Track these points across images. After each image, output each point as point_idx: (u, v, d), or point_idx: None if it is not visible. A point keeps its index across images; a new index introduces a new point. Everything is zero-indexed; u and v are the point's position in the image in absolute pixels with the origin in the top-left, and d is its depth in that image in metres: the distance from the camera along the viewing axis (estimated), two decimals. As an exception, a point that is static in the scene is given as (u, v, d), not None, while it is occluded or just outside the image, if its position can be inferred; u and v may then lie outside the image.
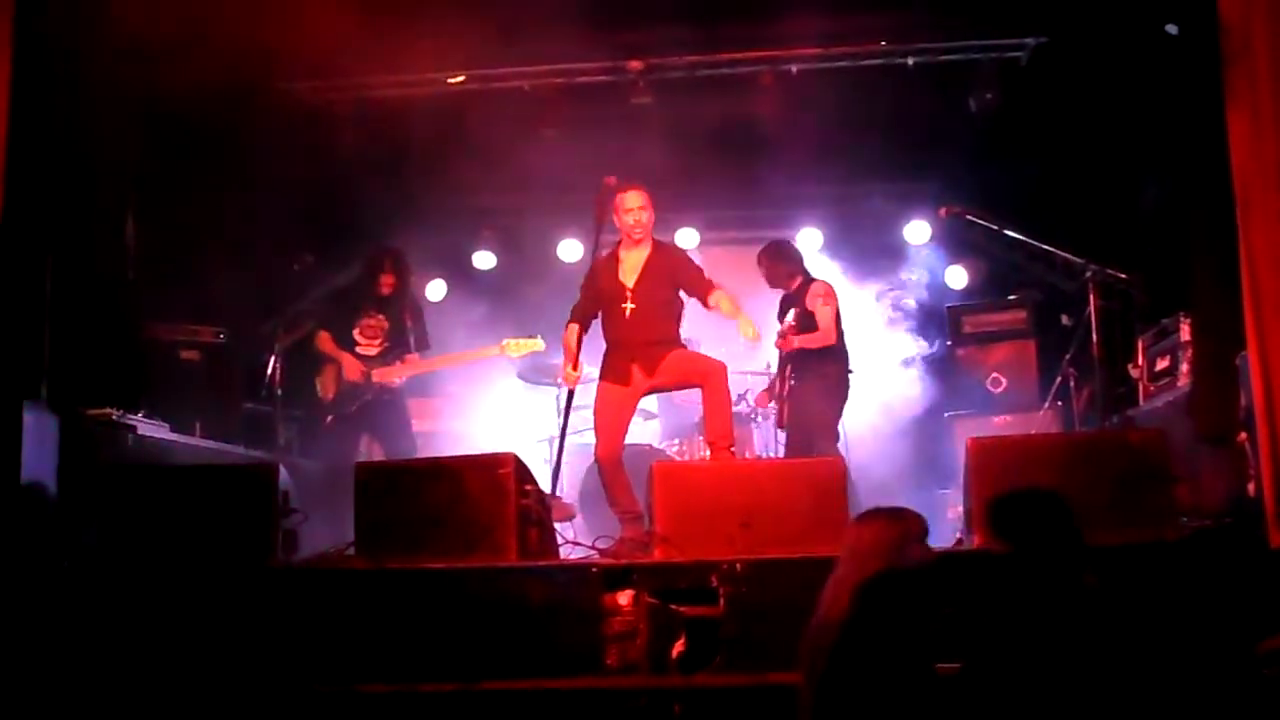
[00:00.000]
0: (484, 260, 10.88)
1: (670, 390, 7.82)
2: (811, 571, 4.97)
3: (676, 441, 9.10)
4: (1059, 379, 8.69)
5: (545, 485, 6.66)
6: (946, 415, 9.38)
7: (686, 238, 10.34)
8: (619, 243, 7.20)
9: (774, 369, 8.55)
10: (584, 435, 8.44)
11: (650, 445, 8.91)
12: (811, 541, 5.35)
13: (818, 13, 8.15)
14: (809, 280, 8.22)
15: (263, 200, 8.09)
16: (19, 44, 6.07)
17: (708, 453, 7.14)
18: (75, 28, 6.43)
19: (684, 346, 7.15)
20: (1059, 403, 8.75)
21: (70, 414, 6.32)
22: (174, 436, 7.30)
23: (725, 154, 9.24)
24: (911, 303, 9.89)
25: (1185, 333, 7.16)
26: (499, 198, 10.63)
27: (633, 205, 7.01)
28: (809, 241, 10.36)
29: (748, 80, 9.15)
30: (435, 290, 10.63)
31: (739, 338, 6.98)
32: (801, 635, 3.66)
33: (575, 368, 7.07)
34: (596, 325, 7.23)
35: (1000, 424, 8.95)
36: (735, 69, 9.16)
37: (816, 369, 7.89)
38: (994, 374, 9.44)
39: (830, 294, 8.07)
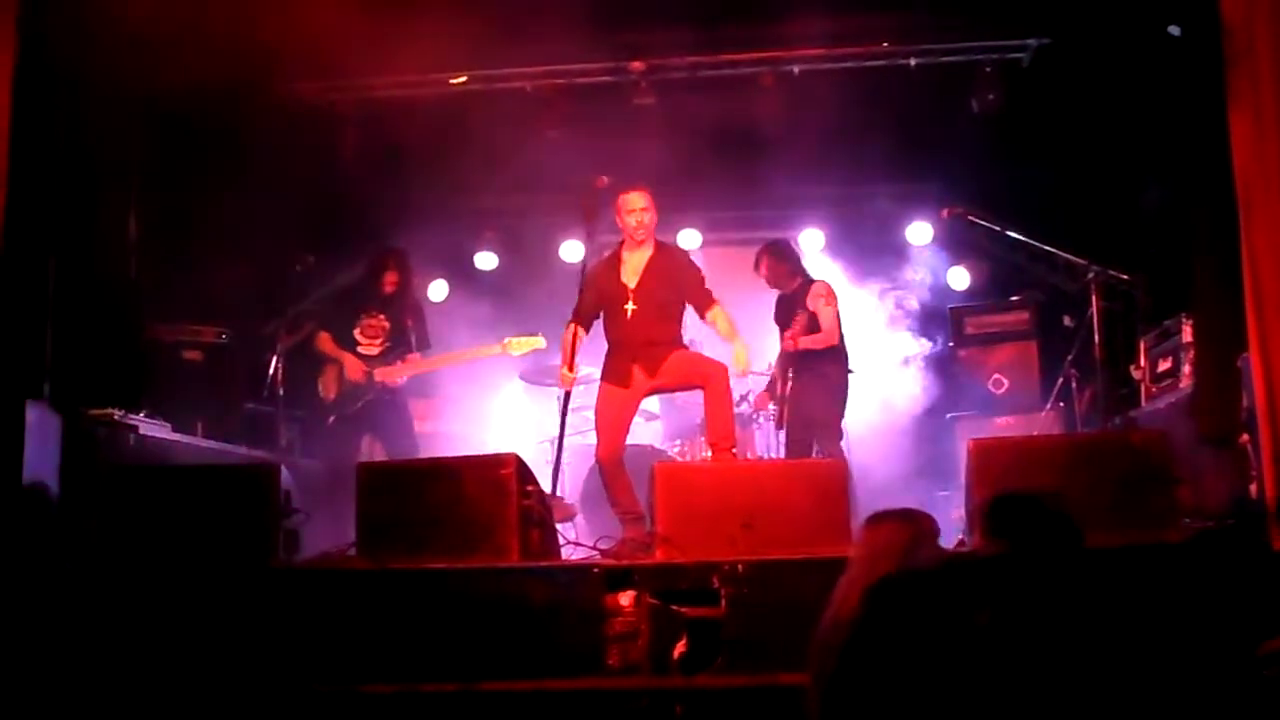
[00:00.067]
0: (486, 261, 10.88)
1: (671, 391, 7.82)
2: (813, 572, 4.99)
3: (678, 442, 9.10)
4: (1061, 380, 8.69)
5: (546, 486, 6.66)
6: (948, 416, 9.38)
7: (688, 238, 10.34)
8: (621, 243, 7.19)
9: (772, 370, 8.54)
10: (586, 436, 8.44)
11: (652, 446, 8.91)
12: (813, 542, 5.35)
13: (820, 14, 8.15)
14: (809, 280, 8.22)
15: (264, 200, 8.08)
16: (22, 44, 6.07)
17: (709, 454, 7.14)
18: (78, 28, 6.43)
19: (685, 348, 7.15)
20: (1061, 404, 8.75)
21: (72, 414, 6.33)
22: (176, 436, 7.31)
23: (727, 155, 9.24)
24: (914, 303, 9.88)
25: (1187, 334, 7.16)
26: (501, 198, 10.63)
27: (635, 206, 7.01)
28: (811, 242, 10.36)
29: (749, 81, 9.15)
30: (437, 290, 10.62)
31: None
32: (811, 636, 3.65)
33: (571, 369, 7.08)
34: (598, 327, 7.23)
35: (1002, 425, 8.95)
36: (737, 70, 9.17)
37: (818, 369, 7.89)
38: (996, 375, 9.44)
39: (831, 294, 8.08)
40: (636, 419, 7.43)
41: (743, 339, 7.08)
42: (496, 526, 5.52)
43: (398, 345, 8.16)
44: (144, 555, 5.62)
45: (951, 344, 9.74)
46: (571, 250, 10.53)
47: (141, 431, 6.90)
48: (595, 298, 7.15)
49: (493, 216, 10.92)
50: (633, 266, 7.06)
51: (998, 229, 9.15)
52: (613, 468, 6.88)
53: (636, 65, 9.05)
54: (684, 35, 8.81)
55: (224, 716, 5.09)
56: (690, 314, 7.22)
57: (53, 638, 5.24)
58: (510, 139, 9.04)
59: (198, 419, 7.97)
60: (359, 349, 8.10)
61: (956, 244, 10.32)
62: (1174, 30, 7.05)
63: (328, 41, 7.24)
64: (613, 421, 6.98)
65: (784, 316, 8.20)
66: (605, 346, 7.17)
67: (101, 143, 7.07)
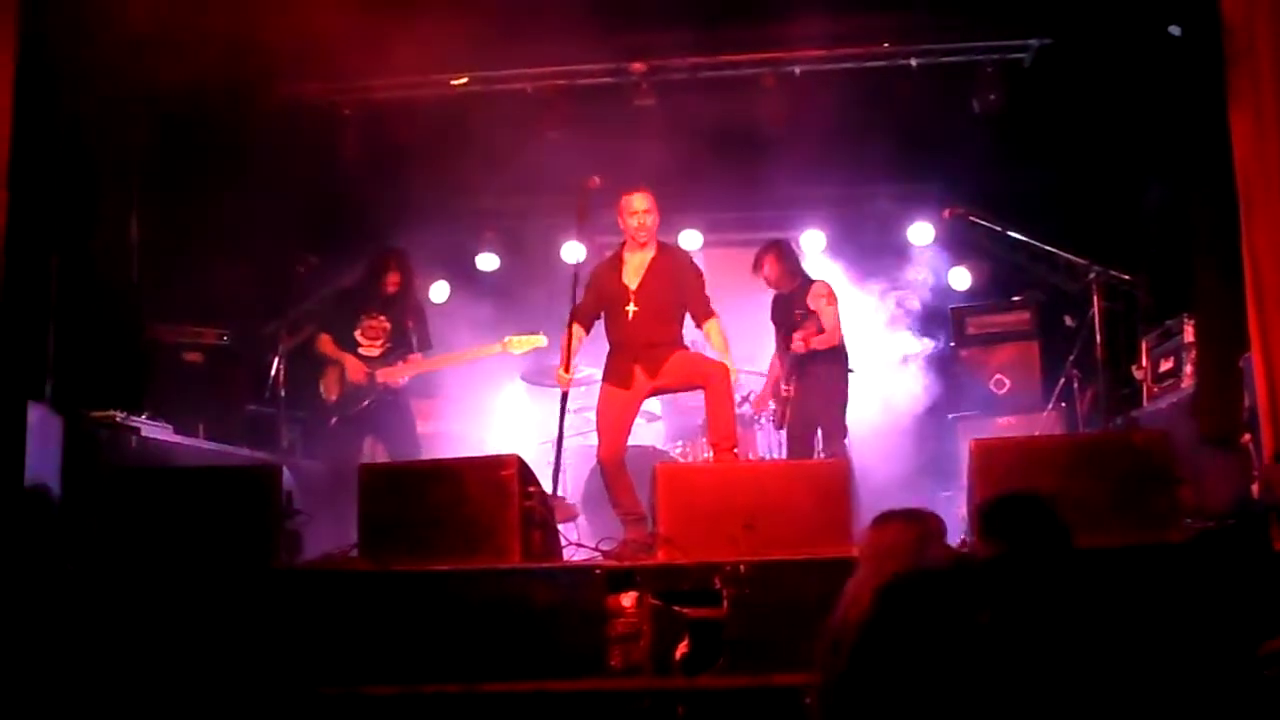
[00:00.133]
0: (487, 262, 10.88)
1: (673, 392, 7.82)
2: (815, 573, 5.00)
3: (680, 443, 9.09)
4: (1062, 380, 8.68)
5: (547, 487, 6.67)
6: (950, 416, 9.38)
7: (689, 239, 10.33)
8: (623, 244, 7.19)
9: (771, 370, 8.53)
10: (588, 437, 8.44)
11: (654, 447, 8.91)
12: (815, 543, 5.35)
13: (820, 14, 8.15)
14: (808, 280, 8.21)
15: (266, 201, 8.08)
16: (22, 44, 6.08)
17: (711, 454, 7.14)
18: (78, 29, 6.44)
19: (686, 348, 7.14)
20: (1063, 404, 8.74)
21: (74, 415, 6.33)
22: (177, 438, 7.32)
23: (728, 155, 9.24)
24: (915, 303, 9.88)
25: (1189, 334, 7.16)
26: (502, 199, 10.62)
27: (638, 208, 7.00)
28: (812, 243, 10.35)
29: (750, 82, 9.15)
30: (439, 292, 10.62)
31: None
32: (815, 636, 3.65)
33: (568, 369, 7.07)
34: (599, 328, 7.23)
35: (1004, 425, 8.94)
36: (738, 70, 9.16)
37: (820, 370, 7.88)
38: (997, 375, 9.43)
39: (832, 294, 8.09)
40: (638, 420, 7.42)
41: (731, 358, 7.07)
42: (498, 528, 5.52)
43: (399, 346, 8.15)
44: (145, 557, 5.62)
45: (953, 344, 9.74)
46: (573, 251, 10.52)
47: (143, 433, 6.90)
48: (596, 299, 7.15)
49: (494, 217, 10.92)
50: (634, 268, 7.05)
51: (999, 229, 9.15)
52: (614, 469, 6.88)
53: (637, 66, 9.05)
54: (685, 36, 8.81)
55: (226, 718, 5.09)
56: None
57: (54, 639, 5.25)
58: (511, 140, 9.04)
59: (199, 420, 7.98)
60: (360, 350, 8.10)
61: (958, 244, 10.31)
62: (1174, 30, 7.06)
63: (329, 42, 7.25)
64: (614, 422, 6.98)
65: (783, 316, 8.18)
66: (606, 348, 7.17)
67: (103, 144, 7.08)
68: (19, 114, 6.04)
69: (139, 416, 6.98)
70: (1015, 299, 9.73)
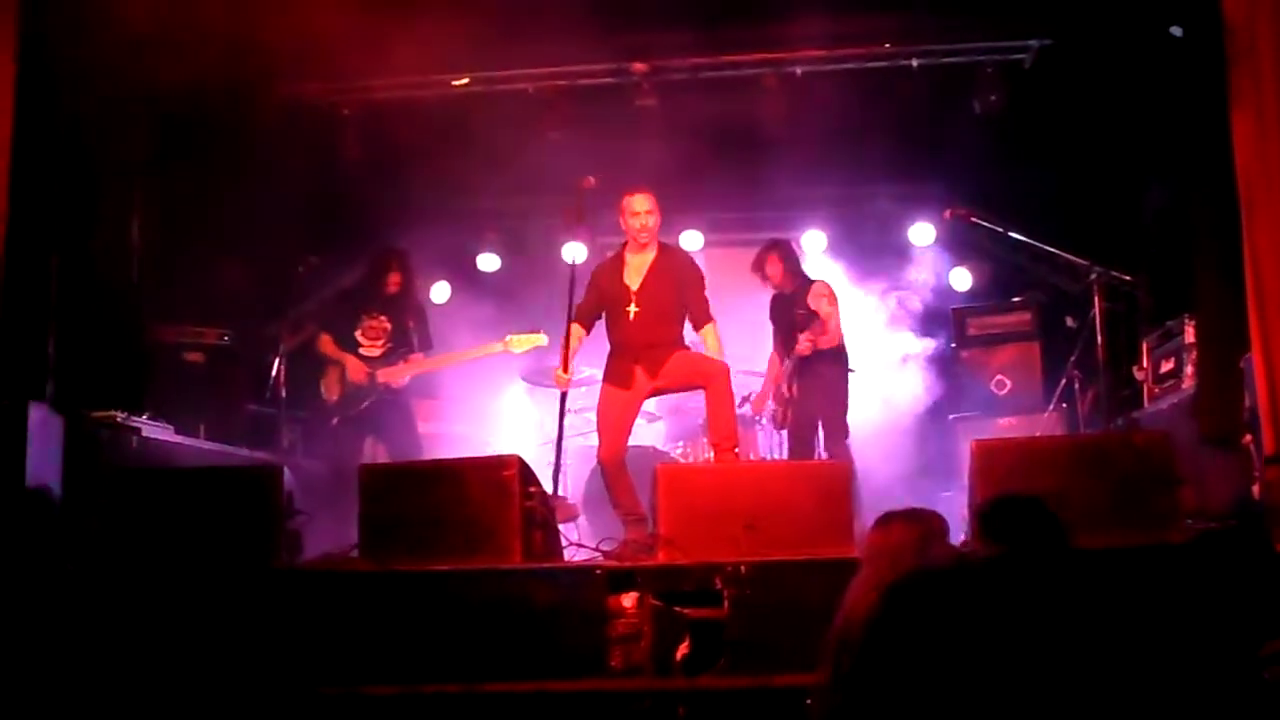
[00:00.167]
0: (488, 262, 10.89)
1: (674, 392, 7.81)
2: (816, 574, 5.00)
3: (680, 444, 9.09)
4: (1063, 381, 8.68)
5: (548, 487, 6.66)
6: (951, 417, 9.38)
7: (690, 239, 10.33)
8: (624, 245, 7.19)
9: (770, 370, 8.53)
10: (589, 437, 8.44)
11: (654, 447, 8.91)
12: (816, 543, 5.35)
13: (821, 15, 8.14)
14: (809, 281, 8.21)
15: (267, 201, 8.09)
16: (23, 45, 6.09)
17: (711, 455, 7.14)
18: (79, 29, 6.44)
19: (687, 348, 7.14)
20: (1064, 405, 8.74)
21: (75, 415, 6.33)
22: (178, 438, 7.32)
23: (729, 156, 9.24)
24: (916, 304, 9.88)
25: (1190, 335, 7.15)
26: (503, 200, 10.63)
27: (640, 209, 6.99)
28: (813, 243, 10.36)
29: (752, 82, 9.14)
30: (440, 292, 10.62)
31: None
32: (816, 637, 3.65)
33: (566, 369, 7.07)
34: (600, 329, 7.23)
35: (1005, 426, 8.94)
36: (739, 71, 9.16)
37: (822, 370, 7.89)
38: (998, 376, 9.43)
39: (833, 294, 8.09)
40: (638, 420, 7.42)
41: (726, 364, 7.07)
42: (499, 528, 5.52)
43: (400, 346, 8.15)
44: (146, 557, 5.62)
45: (954, 345, 9.74)
46: (574, 252, 10.52)
47: (144, 433, 6.90)
48: (597, 299, 7.15)
49: (495, 218, 10.93)
50: (636, 268, 7.06)
51: (1000, 230, 9.14)
52: (615, 469, 6.88)
53: (639, 67, 9.05)
54: (686, 37, 8.80)
55: (226, 718, 5.09)
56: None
57: (55, 639, 5.25)
58: (512, 140, 9.03)
59: (200, 421, 7.98)
60: (361, 350, 8.10)
61: (958, 245, 10.32)
62: (1176, 31, 7.05)
63: (329, 42, 7.25)
64: (614, 423, 6.98)
65: (783, 316, 8.18)
66: (606, 348, 7.17)
67: (103, 144, 7.08)
68: (20, 114, 6.05)
69: (140, 417, 6.98)
70: (1016, 300, 9.72)
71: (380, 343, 8.13)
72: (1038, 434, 8.40)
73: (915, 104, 9.02)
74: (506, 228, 10.96)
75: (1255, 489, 5.74)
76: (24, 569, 5.51)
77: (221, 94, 7.55)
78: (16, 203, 6.06)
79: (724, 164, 9.25)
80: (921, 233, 10.38)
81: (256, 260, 8.62)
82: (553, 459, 7.19)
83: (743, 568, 5.15)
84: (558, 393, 7.23)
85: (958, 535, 6.37)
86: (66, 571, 5.58)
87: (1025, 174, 9.20)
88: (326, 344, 8.11)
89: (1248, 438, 5.95)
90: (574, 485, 8.63)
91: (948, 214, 9.29)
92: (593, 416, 7.41)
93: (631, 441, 7.26)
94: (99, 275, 7.14)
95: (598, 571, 5.28)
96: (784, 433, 8.29)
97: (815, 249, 10.32)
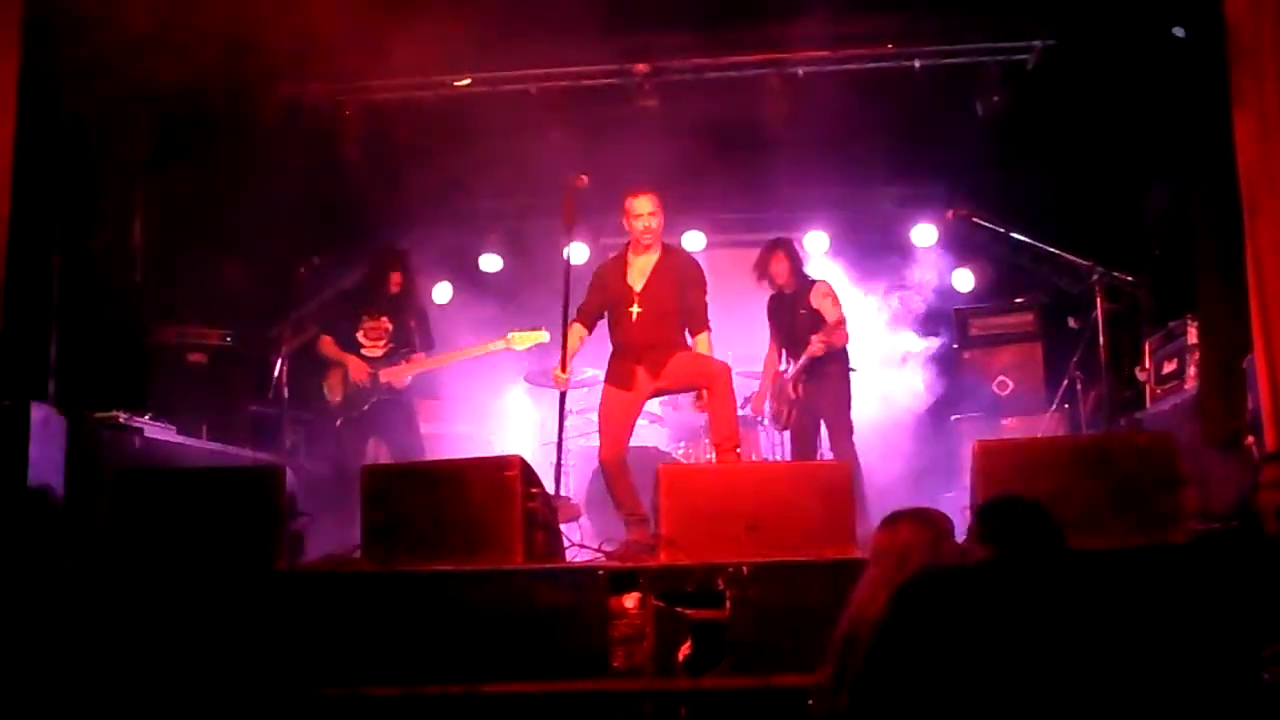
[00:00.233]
0: (490, 263, 10.89)
1: (675, 393, 7.82)
2: (819, 574, 5.01)
3: (682, 444, 9.10)
4: (1066, 382, 8.68)
5: (550, 487, 6.67)
6: (953, 418, 9.38)
7: (693, 240, 10.34)
8: (628, 245, 7.18)
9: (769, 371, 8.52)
10: (591, 438, 8.44)
11: (656, 448, 8.91)
12: (818, 544, 5.34)
13: (824, 15, 8.14)
14: (810, 281, 8.21)
15: (270, 202, 8.10)
16: (27, 46, 6.09)
17: (713, 455, 7.13)
18: (82, 30, 6.44)
19: (689, 349, 7.14)
20: (1066, 406, 8.74)
21: (77, 416, 6.33)
22: (180, 439, 7.32)
23: (731, 156, 9.24)
24: (918, 304, 9.89)
25: (1192, 336, 7.15)
26: (505, 200, 10.64)
27: (643, 211, 6.98)
28: (815, 244, 10.36)
29: (754, 83, 9.13)
30: (442, 293, 10.63)
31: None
32: (820, 637, 3.66)
33: (564, 369, 7.07)
34: (601, 330, 7.23)
35: (1007, 427, 8.95)
36: (741, 72, 9.14)
37: (828, 370, 7.88)
38: (1001, 377, 9.44)
39: (836, 294, 8.09)
40: (640, 420, 7.42)
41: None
42: (501, 529, 5.52)
43: (401, 346, 8.15)
44: (148, 557, 5.62)
45: (956, 345, 9.74)
46: (576, 252, 10.52)
47: (146, 434, 6.90)
48: (601, 299, 7.15)
49: (497, 218, 10.94)
50: (639, 269, 7.05)
51: (1002, 230, 9.15)
52: (616, 470, 6.88)
53: (641, 67, 9.04)
54: (688, 37, 8.81)
55: (228, 719, 5.10)
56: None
57: (57, 639, 5.25)
58: (514, 141, 9.04)
59: (202, 421, 7.98)
60: (363, 351, 8.09)
61: (961, 246, 10.32)
62: (1178, 31, 7.05)
63: (331, 42, 7.26)
64: (616, 423, 6.98)
65: (784, 316, 8.17)
66: (607, 348, 7.17)
67: (105, 144, 7.09)
68: (23, 114, 6.05)
69: (142, 417, 6.98)
70: (1018, 301, 9.73)
71: (382, 343, 8.13)
72: (1040, 435, 8.40)
73: (917, 105, 9.03)
74: (508, 228, 10.96)
75: (1258, 489, 5.74)
76: (26, 569, 5.51)
77: (223, 94, 7.56)
78: (19, 202, 6.07)
79: (726, 165, 9.25)
80: (923, 233, 10.38)
81: (258, 260, 8.62)
82: (554, 459, 7.19)
83: (745, 568, 5.15)
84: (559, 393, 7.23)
85: (960, 536, 6.39)
86: (68, 572, 5.58)
87: (1027, 175, 9.21)
88: (328, 346, 8.11)
89: (1250, 439, 5.95)
90: (577, 486, 8.63)
91: (950, 215, 9.30)
92: (594, 417, 7.41)
93: (633, 442, 7.26)
94: (101, 275, 7.15)
95: (600, 572, 5.27)
96: (786, 433, 8.29)
97: (818, 250, 10.32)
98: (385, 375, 8.01)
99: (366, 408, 7.99)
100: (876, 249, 10.39)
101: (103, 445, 6.52)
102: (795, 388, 7.95)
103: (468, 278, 10.74)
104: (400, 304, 8.24)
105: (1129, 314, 8.42)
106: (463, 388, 9.73)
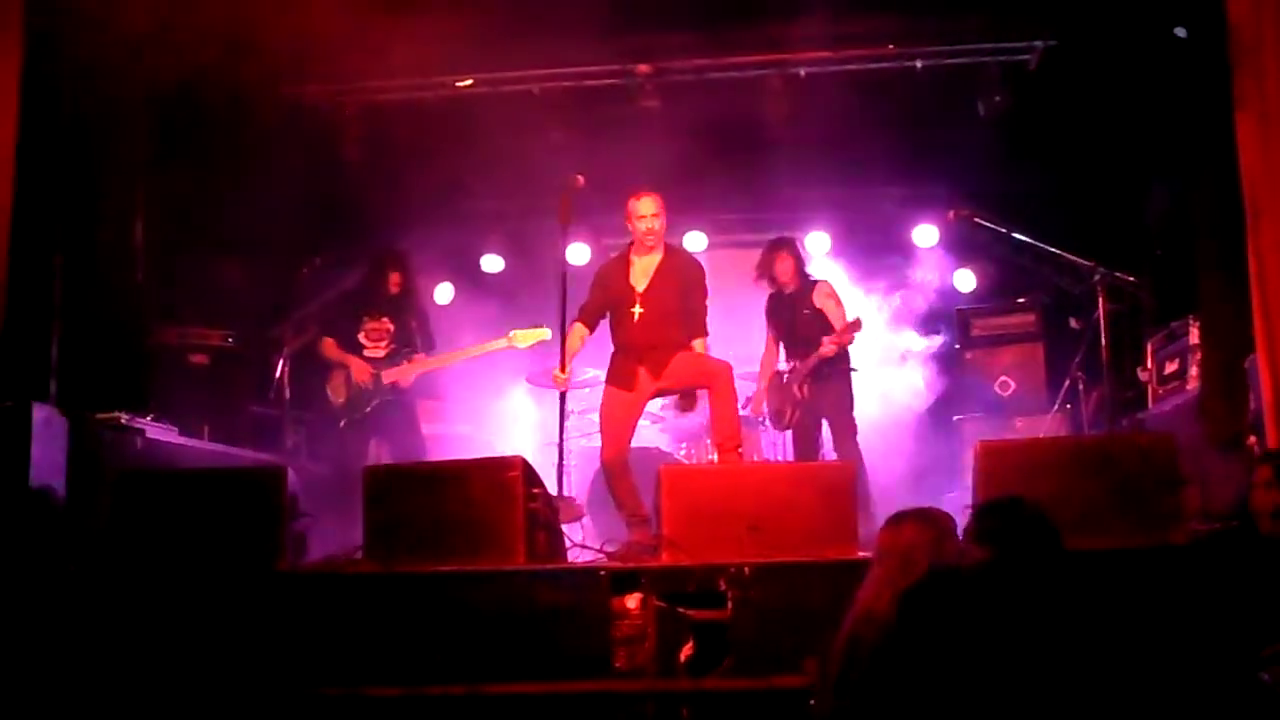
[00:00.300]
0: (492, 263, 10.89)
1: (677, 393, 7.81)
2: (820, 575, 5.01)
3: (684, 445, 9.09)
4: (1067, 382, 8.68)
5: (552, 488, 6.66)
6: (955, 418, 9.37)
7: (694, 240, 10.34)
8: (630, 246, 7.18)
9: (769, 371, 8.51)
10: (592, 439, 8.43)
11: (657, 448, 8.91)
12: (820, 545, 5.34)
13: (825, 16, 8.14)
14: (812, 281, 8.21)
15: (271, 203, 8.09)
16: (29, 46, 6.10)
17: (715, 455, 7.13)
18: (84, 30, 6.45)
19: (691, 349, 7.13)
20: (1068, 406, 8.74)
21: (78, 417, 6.33)
22: (182, 440, 7.31)
23: (733, 157, 9.24)
24: (920, 304, 9.88)
25: (1194, 336, 7.15)
26: (507, 201, 10.63)
27: (646, 212, 6.98)
28: (817, 244, 10.36)
29: (755, 83, 9.13)
30: (443, 293, 10.63)
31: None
32: (823, 638, 3.66)
33: (564, 369, 7.06)
34: (602, 330, 7.23)
35: (1009, 427, 8.94)
36: (743, 72, 9.14)
37: (832, 370, 7.88)
38: (1002, 377, 9.43)
39: (838, 293, 8.09)
40: (641, 421, 7.42)
41: None
42: (503, 529, 5.51)
43: (403, 347, 8.15)
44: (150, 558, 5.62)
45: (958, 346, 9.74)
46: (577, 253, 10.53)
47: (148, 434, 6.90)
48: (603, 299, 7.15)
49: (498, 219, 10.93)
50: (642, 270, 7.05)
51: (1004, 231, 9.14)
52: (617, 470, 6.88)
53: (642, 68, 9.04)
54: (689, 38, 8.81)
55: (230, 719, 5.10)
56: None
57: (59, 640, 5.25)
58: (516, 141, 9.04)
59: (204, 422, 7.98)
60: (365, 352, 8.10)
61: (962, 246, 10.32)
62: (1180, 32, 7.05)
63: (332, 43, 7.25)
64: (617, 424, 6.98)
65: (785, 316, 8.16)
66: (608, 349, 7.16)
67: (106, 144, 7.09)
68: (24, 114, 6.05)
69: (144, 418, 6.97)
70: (1020, 301, 9.73)
71: (384, 344, 8.13)
72: (1041, 435, 8.40)
73: (919, 105, 9.02)
74: (509, 229, 10.95)
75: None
76: (27, 570, 5.51)
77: (223, 94, 7.56)
78: (21, 202, 6.07)
79: (727, 165, 9.24)
80: (925, 234, 10.38)
81: (259, 261, 8.62)
82: (555, 460, 7.19)
83: (746, 569, 5.15)
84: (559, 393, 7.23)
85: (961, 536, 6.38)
86: (70, 573, 5.58)
87: (1029, 175, 9.21)
88: (330, 348, 8.10)
89: (1252, 439, 5.94)
90: (579, 486, 8.62)
91: (951, 215, 9.28)
92: (596, 417, 7.40)
93: (634, 442, 7.26)
94: (103, 275, 7.15)
95: (601, 573, 5.27)
96: (787, 433, 8.29)
97: (819, 250, 10.32)
98: (389, 376, 8.01)
99: (369, 409, 7.99)
100: (878, 249, 10.38)
101: (104, 446, 6.52)
102: (800, 388, 7.94)
103: (469, 278, 10.74)
104: (401, 304, 8.25)
105: (1131, 314, 8.41)
106: (464, 388, 9.73)
